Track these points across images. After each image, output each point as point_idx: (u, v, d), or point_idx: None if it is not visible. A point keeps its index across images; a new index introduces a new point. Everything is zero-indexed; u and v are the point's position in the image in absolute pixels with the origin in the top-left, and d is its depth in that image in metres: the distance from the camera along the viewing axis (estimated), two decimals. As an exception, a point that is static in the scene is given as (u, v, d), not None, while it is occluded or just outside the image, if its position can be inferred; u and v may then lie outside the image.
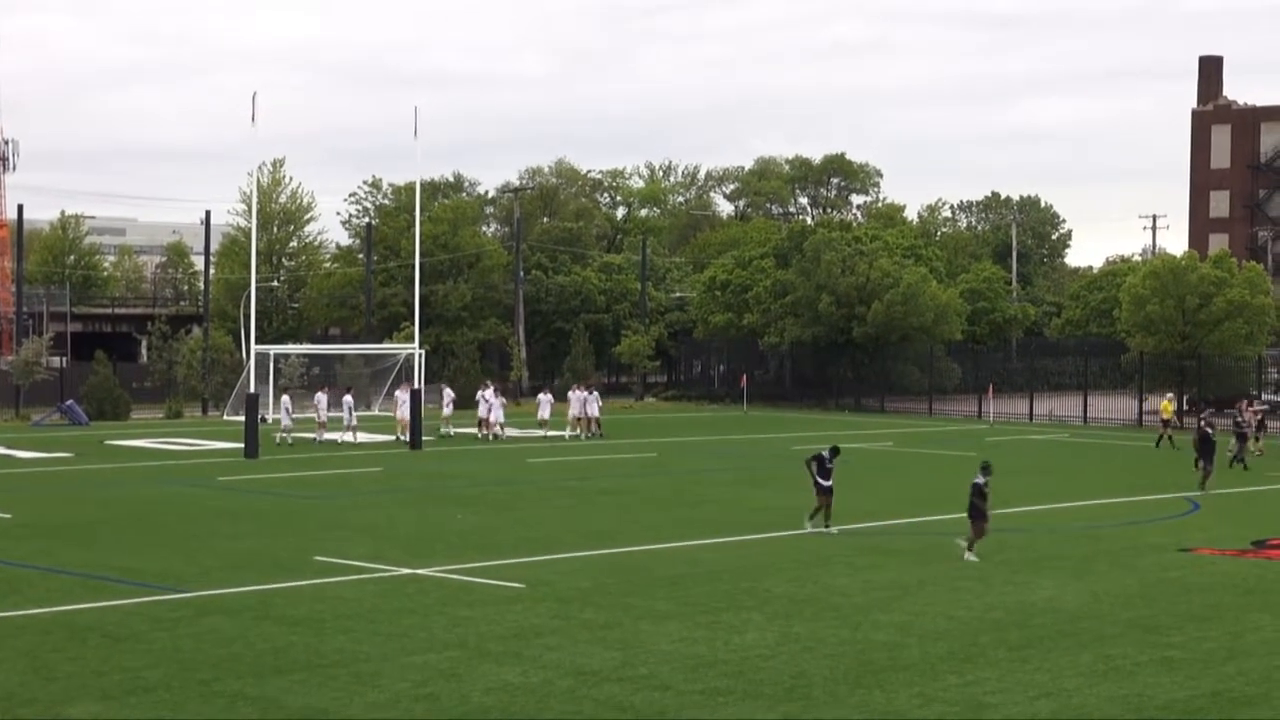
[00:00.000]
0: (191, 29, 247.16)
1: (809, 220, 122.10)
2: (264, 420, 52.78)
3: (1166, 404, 59.86)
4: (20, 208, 74.87)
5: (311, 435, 56.15)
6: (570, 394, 61.75)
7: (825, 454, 32.33)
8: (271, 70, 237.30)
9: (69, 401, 66.78)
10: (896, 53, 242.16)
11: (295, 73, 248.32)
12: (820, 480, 32.04)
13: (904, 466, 50.58)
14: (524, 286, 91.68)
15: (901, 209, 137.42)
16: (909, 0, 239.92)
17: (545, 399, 61.15)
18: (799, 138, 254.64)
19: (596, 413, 60.86)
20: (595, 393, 62.25)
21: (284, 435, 54.44)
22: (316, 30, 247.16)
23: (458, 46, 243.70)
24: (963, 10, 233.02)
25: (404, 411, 56.15)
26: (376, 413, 64.35)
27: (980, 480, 29.09)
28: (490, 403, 57.86)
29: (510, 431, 59.59)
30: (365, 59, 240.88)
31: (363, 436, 56.28)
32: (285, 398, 55.43)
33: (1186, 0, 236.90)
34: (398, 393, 57.85)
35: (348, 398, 57.18)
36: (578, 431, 59.98)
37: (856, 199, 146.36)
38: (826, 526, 32.13)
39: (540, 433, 59.60)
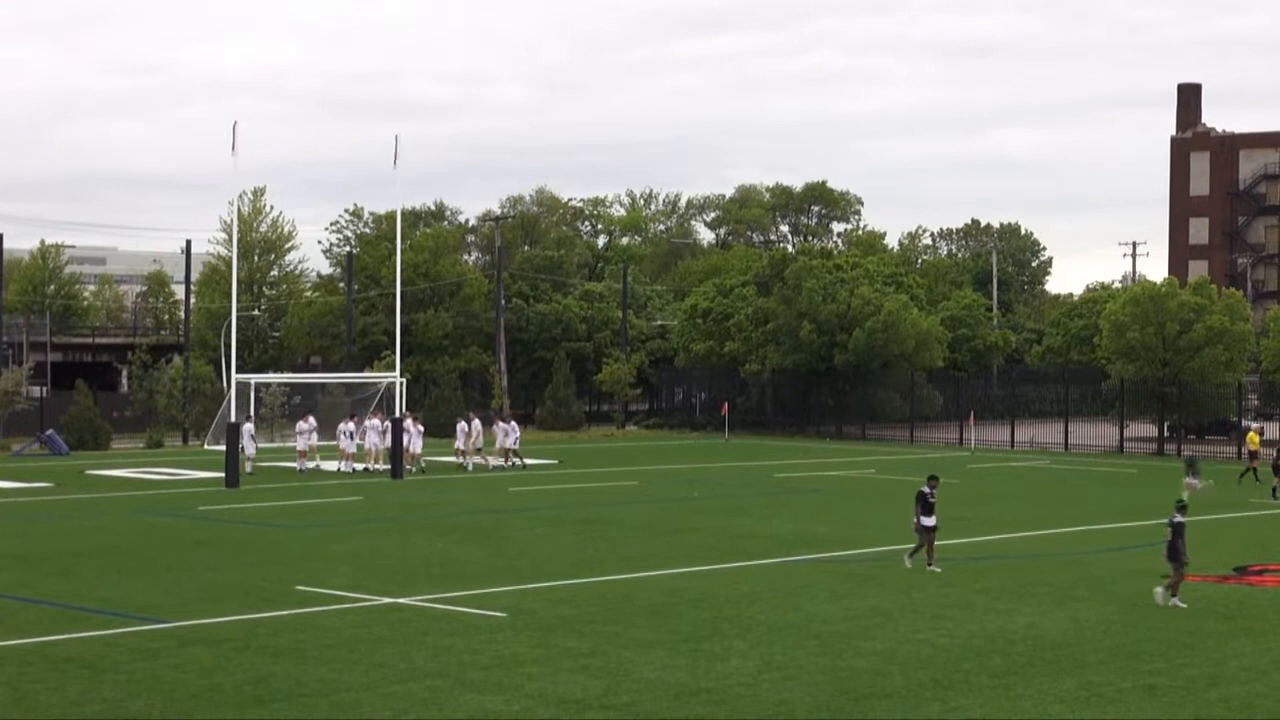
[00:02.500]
0: (169, 59, 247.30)
1: (790, 248, 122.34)
2: (243, 450, 52.63)
3: (1253, 435, 58.85)
4: (0, 237, 74.73)
5: (293, 464, 56.14)
6: (459, 424, 59.72)
7: (926, 489, 31.02)
8: (250, 100, 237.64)
9: (49, 431, 66.57)
10: (874, 82, 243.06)
11: (275, 102, 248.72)
12: (923, 519, 30.82)
13: (886, 494, 50.54)
14: (505, 315, 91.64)
15: (882, 237, 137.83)
16: (885, 30, 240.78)
17: (463, 429, 59.79)
18: (777, 167, 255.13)
19: (514, 444, 59.38)
20: (513, 423, 61.30)
21: (246, 463, 53.91)
22: (295, 60, 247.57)
23: (435, 76, 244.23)
24: (938, 40, 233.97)
25: (371, 440, 56.24)
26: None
27: (1179, 519, 27.41)
28: (410, 433, 56.84)
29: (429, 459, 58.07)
30: (343, 88, 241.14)
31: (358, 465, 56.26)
32: (248, 426, 55.11)
33: (1163, 29, 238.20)
34: (368, 422, 57.73)
35: (373, 421, 57.20)
36: (468, 460, 57.96)
37: (837, 227, 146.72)
38: (929, 565, 30.69)
39: (456, 460, 58.84)
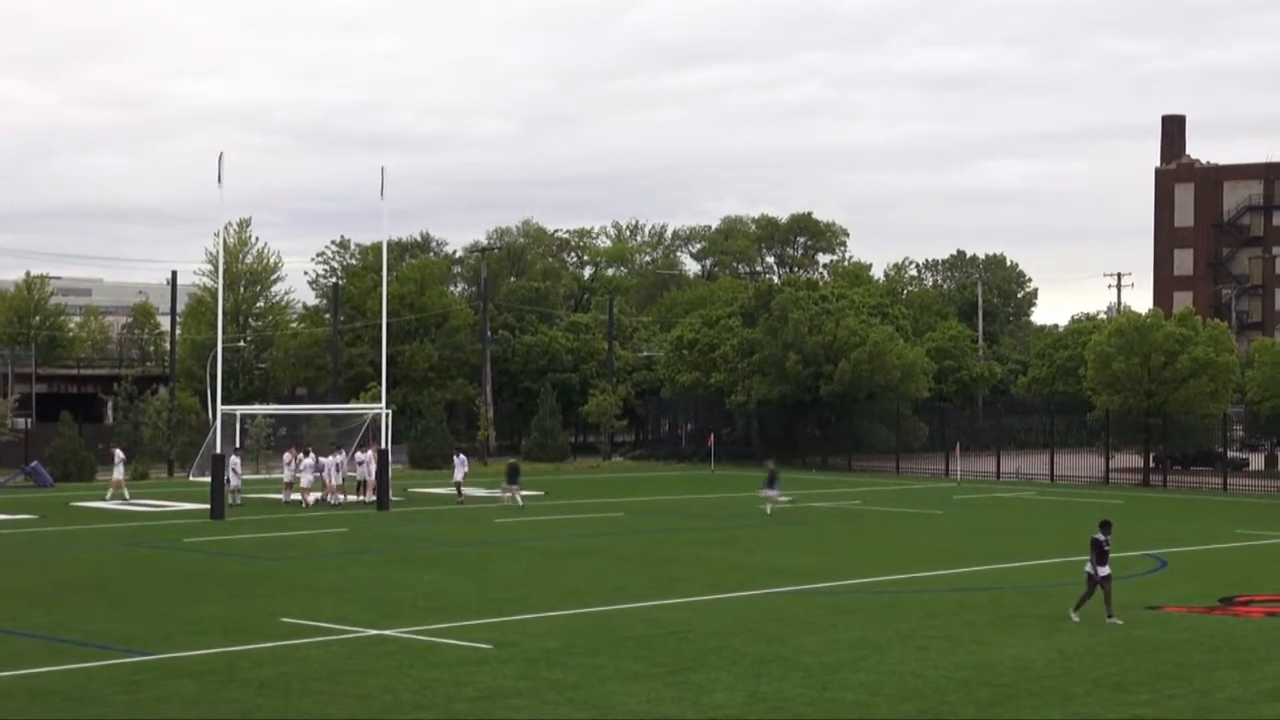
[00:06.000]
0: (153, 93, 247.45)
1: (776, 279, 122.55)
2: (228, 482, 52.50)
3: None
4: (-15, 268, 74.82)
5: (278, 496, 56.00)
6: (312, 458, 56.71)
7: (1100, 536, 29.07)
8: (235, 133, 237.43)
9: (33, 463, 66.41)
10: (858, 115, 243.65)
11: (259, 135, 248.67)
12: (1099, 568, 28.78)
13: (872, 525, 50.60)
14: (491, 346, 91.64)
15: (868, 268, 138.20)
16: (869, 63, 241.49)
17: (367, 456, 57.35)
18: (762, 199, 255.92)
19: (462, 478, 58.02)
20: (463, 456, 59.85)
21: (233, 494, 53.71)
22: (280, 93, 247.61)
23: (420, 110, 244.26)
24: (923, 73, 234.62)
25: (362, 472, 56.18)
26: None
27: None
28: (302, 466, 55.32)
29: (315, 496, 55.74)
30: (328, 122, 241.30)
31: (350, 498, 56.05)
32: (234, 458, 54.91)
33: (1147, 62, 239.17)
34: (358, 454, 57.66)
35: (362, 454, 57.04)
36: (324, 496, 55.43)
37: (823, 258, 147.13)
38: (1109, 616, 28.54)
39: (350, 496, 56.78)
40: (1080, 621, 28.54)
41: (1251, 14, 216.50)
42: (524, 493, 56.63)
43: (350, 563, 38.21)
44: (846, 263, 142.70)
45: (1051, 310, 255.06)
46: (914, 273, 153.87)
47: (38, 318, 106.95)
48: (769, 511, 52.62)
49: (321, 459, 56.19)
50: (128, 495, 56.82)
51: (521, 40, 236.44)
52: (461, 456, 59.88)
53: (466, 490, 57.95)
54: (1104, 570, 28.81)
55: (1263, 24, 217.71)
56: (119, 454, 59.08)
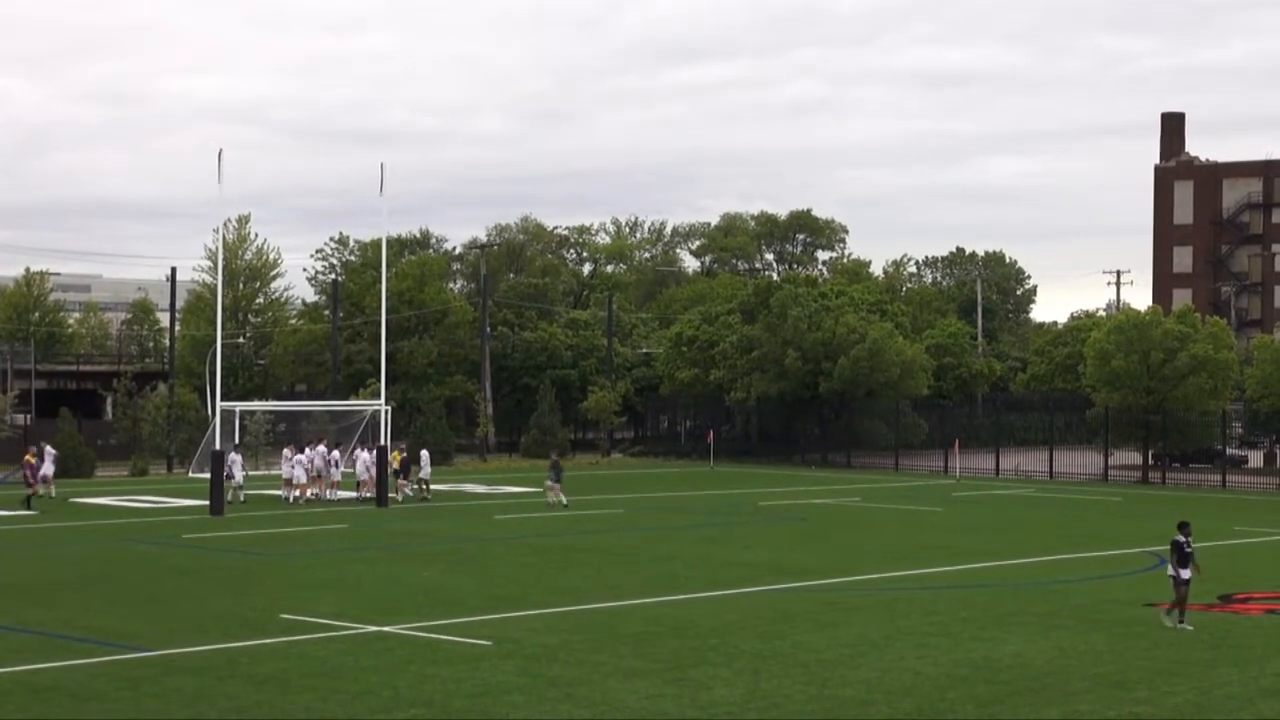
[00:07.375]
0: (151, 89, 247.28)
1: (775, 276, 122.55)
2: (230, 477, 52.47)
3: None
4: (-16, 264, 74.84)
5: (279, 493, 55.93)
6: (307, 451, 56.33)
7: (1181, 539, 28.26)
8: (234, 129, 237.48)
9: (33, 459, 66.28)
10: (856, 112, 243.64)
11: (258, 132, 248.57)
12: (1181, 571, 28.07)
13: (871, 522, 50.59)
14: (490, 342, 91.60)
15: (867, 265, 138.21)
16: (866, 61, 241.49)
17: (235, 459, 55.01)
18: (760, 196, 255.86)
19: (427, 475, 57.84)
20: (425, 452, 59.46)
21: (235, 492, 53.61)
22: (278, 90, 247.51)
23: (418, 107, 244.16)
24: (920, 71, 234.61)
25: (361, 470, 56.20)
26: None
27: None
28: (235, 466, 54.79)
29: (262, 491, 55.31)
30: (326, 119, 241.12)
31: (343, 494, 56.03)
32: (234, 454, 54.75)
33: (1144, 60, 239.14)
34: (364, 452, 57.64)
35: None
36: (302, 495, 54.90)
37: (822, 255, 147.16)
38: (1180, 620, 28.05)
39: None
40: (1186, 627, 27.84)
41: (1248, 11, 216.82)
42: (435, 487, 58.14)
43: (349, 559, 38.22)
44: (846, 260, 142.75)
45: (1051, 307, 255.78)
46: (913, 270, 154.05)
47: (37, 314, 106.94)
48: (552, 501, 52.76)
49: (312, 451, 56.12)
50: (52, 493, 55.99)
51: (519, 37, 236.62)
52: (425, 454, 59.35)
53: (435, 486, 58.27)
54: (1186, 574, 28.13)
55: (1260, 21, 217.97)
56: (50, 449, 58.63)
